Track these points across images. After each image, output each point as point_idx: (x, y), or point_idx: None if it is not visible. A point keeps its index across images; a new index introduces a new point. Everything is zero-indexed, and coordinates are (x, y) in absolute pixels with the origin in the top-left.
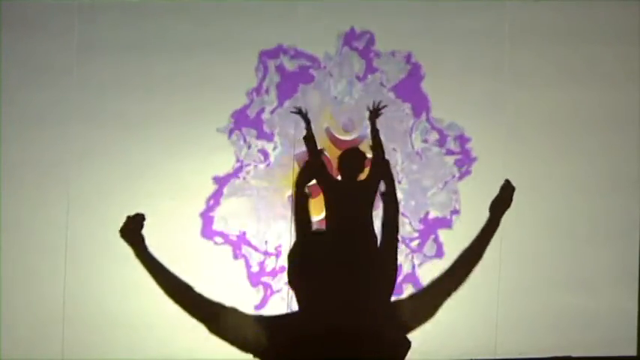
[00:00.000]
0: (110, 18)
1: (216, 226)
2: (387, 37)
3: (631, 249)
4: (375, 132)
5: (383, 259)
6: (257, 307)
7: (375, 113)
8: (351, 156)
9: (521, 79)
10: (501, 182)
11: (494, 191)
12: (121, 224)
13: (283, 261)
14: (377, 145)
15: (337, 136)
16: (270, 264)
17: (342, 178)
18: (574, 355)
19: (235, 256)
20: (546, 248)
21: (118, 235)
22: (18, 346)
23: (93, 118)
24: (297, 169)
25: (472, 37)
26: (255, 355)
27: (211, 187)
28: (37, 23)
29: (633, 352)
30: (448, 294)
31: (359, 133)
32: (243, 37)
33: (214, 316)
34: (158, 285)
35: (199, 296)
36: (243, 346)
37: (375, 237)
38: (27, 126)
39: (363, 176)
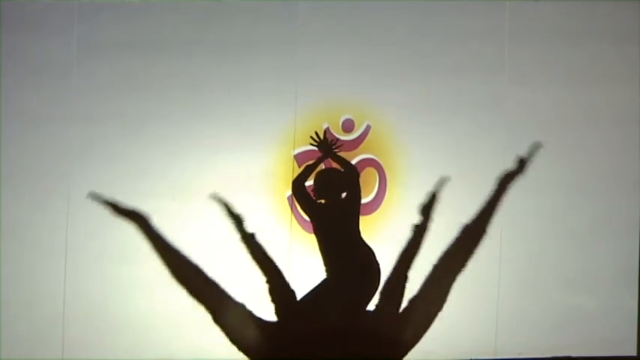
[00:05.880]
0: (110, 18)
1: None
2: (386, 36)
3: (631, 249)
4: (335, 157)
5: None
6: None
7: (329, 150)
8: (329, 176)
9: (521, 79)
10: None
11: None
12: (120, 224)
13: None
14: (342, 160)
15: (337, 136)
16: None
17: (326, 201)
18: (574, 355)
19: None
20: (546, 248)
21: (117, 234)
22: (18, 346)
23: (93, 117)
24: (297, 169)
25: (472, 37)
26: (247, 355)
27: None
28: (37, 23)
29: (633, 352)
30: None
31: (359, 133)
32: (243, 37)
33: (222, 307)
34: (166, 264)
35: (210, 281)
36: (241, 344)
37: (367, 246)
38: (26, 125)
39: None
